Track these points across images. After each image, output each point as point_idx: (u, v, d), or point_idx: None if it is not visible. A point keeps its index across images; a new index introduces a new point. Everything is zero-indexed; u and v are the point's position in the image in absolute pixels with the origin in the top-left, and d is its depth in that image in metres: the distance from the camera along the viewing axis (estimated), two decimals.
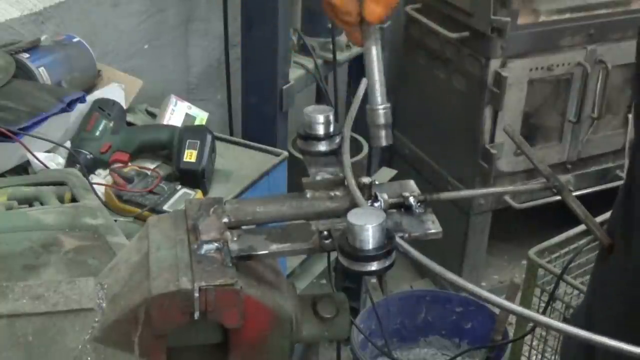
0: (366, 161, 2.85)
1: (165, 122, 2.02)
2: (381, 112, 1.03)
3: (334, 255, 0.89)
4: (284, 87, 2.45)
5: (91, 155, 1.81)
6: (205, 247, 0.87)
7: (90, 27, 2.27)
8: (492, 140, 2.89)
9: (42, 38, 1.99)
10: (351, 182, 0.94)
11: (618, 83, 2.98)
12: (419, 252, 0.83)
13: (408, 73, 3.24)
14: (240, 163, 1.97)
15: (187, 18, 2.64)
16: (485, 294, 0.79)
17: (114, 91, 2.00)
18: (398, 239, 0.84)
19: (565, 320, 2.15)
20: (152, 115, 2.11)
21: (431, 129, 3.15)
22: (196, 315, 0.83)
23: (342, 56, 2.63)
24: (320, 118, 1.04)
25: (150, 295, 0.82)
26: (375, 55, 1.03)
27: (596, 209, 1.35)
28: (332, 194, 0.98)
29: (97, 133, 1.85)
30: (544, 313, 2.08)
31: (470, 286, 0.79)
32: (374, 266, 0.84)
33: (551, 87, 2.92)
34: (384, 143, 1.04)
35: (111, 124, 1.87)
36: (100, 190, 1.70)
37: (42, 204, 1.35)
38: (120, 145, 1.85)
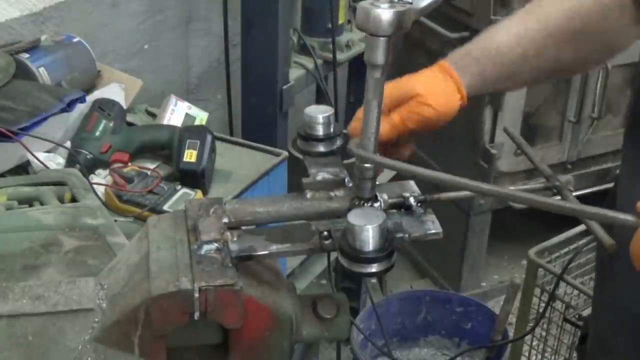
0: None
1: (165, 122, 2.02)
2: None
3: (334, 255, 0.89)
4: (284, 87, 2.45)
5: (91, 155, 1.81)
6: (205, 247, 0.87)
7: (90, 27, 2.26)
8: (492, 140, 2.89)
9: (42, 38, 1.99)
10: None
11: (618, 83, 2.98)
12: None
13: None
14: (240, 163, 1.97)
15: (187, 18, 2.64)
16: None
17: (114, 91, 2.00)
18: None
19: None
20: (152, 115, 2.11)
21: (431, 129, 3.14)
22: (196, 315, 0.83)
23: (342, 56, 2.63)
24: (320, 118, 1.04)
25: (150, 296, 0.82)
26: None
27: None
28: (332, 194, 0.98)
29: (97, 133, 1.84)
30: (543, 313, 2.08)
31: None
32: (374, 268, 0.84)
33: (551, 87, 2.92)
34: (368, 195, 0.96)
35: (111, 124, 1.86)
36: (100, 190, 1.70)
37: (42, 204, 1.35)
38: (120, 145, 1.85)
